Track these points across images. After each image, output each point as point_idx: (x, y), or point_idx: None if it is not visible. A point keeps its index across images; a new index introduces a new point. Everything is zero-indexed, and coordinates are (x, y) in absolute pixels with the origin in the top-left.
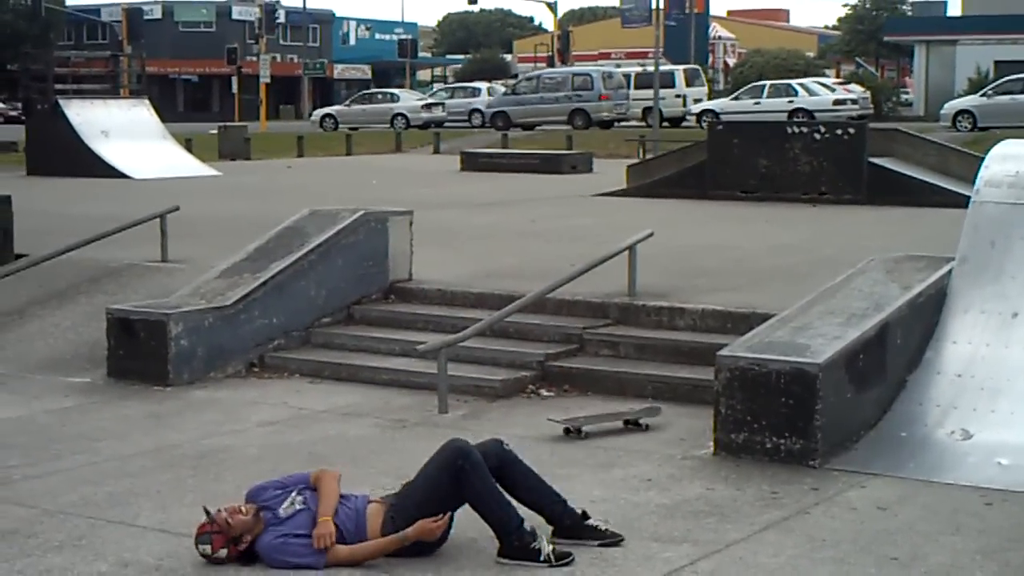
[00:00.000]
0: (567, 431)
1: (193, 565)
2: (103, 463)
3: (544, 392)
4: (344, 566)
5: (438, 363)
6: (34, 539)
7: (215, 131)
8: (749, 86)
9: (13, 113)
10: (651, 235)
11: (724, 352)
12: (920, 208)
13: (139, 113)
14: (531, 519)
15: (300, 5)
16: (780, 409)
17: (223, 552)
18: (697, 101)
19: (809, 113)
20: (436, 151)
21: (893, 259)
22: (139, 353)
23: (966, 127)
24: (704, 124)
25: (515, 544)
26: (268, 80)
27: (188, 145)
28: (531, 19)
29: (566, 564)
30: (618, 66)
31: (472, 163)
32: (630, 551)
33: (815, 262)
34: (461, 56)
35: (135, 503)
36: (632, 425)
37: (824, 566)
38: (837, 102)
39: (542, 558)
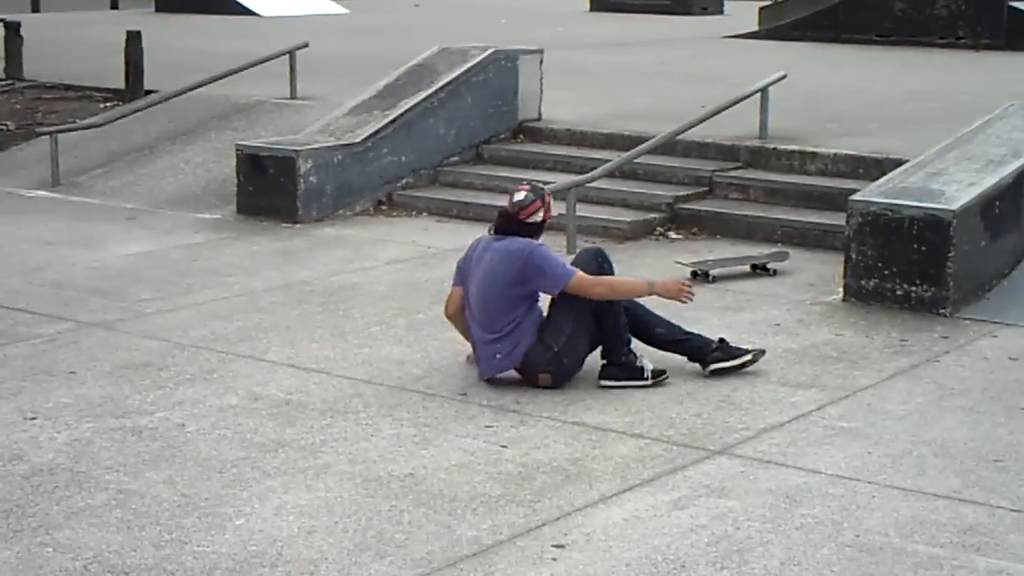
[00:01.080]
0: (695, 274)
1: (322, 400)
2: (233, 298)
3: (672, 234)
4: (582, 291)
5: (567, 203)
6: (166, 371)
7: None
8: None
9: None
10: (783, 77)
11: (856, 197)
12: None
13: None
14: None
15: None
16: (912, 256)
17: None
18: None
19: None
20: None
21: None
22: (268, 190)
23: None
24: None
25: (622, 361)
26: None
27: None
28: None
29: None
30: None
31: (601, 3)
32: (757, 394)
33: (951, 107)
34: None
35: (264, 338)
36: (760, 269)
37: (952, 414)
38: None
39: (645, 375)
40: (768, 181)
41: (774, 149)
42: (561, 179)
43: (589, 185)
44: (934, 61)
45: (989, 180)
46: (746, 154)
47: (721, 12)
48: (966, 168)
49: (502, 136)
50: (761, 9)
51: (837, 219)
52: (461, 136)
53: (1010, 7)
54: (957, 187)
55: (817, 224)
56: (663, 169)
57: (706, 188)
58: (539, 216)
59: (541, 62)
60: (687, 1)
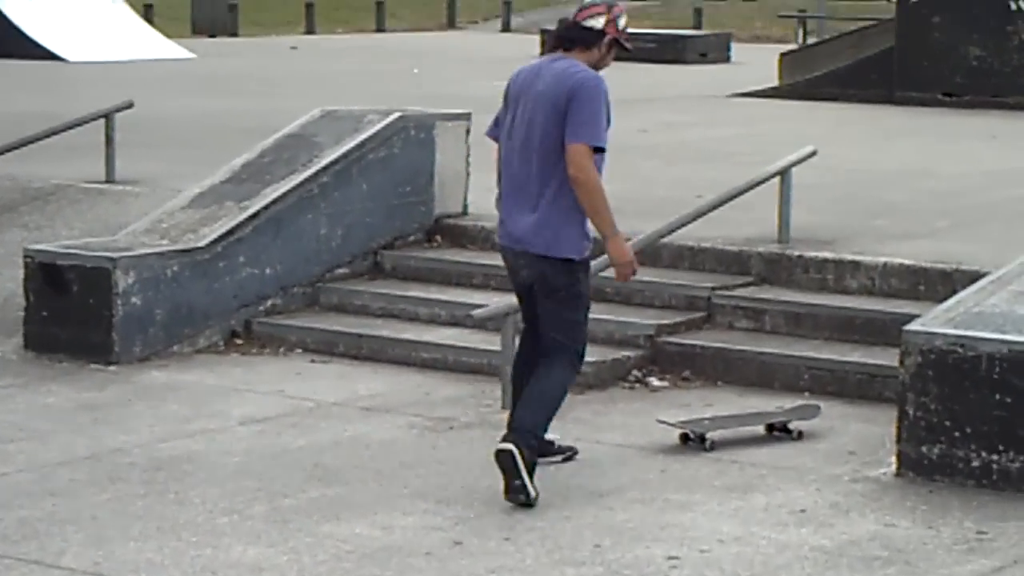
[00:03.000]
0: (686, 437)
1: None
2: (15, 475)
3: (654, 380)
4: (577, 165)
5: (503, 335)
6: None
7: None
8: None
9: None
10: (813, 154)
11: (915, 326)
12: None
13: None
14: None
15: None
16: (994, 411)
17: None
18: None
19: None
20: (506, 28)
21: None
22: (71, 315)
23: None
24: None
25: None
26: None
27: (147, 13)
28: None
29: None
30: None
31: None
32: None
33: None
34: None
35: (60, 534)
36: (780, 431)
37: None
38: None
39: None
40: (791, 303)
41: (799, 257)
42: (495, 300)
43: None
44: None
45: None
46: (760, 264)
47: (727, 59)
48: None
49: (411, 238)
50: (783, 56)
51: (888, 358)
52: (352, 238)
53: None
54: None
55: (860, 365)
56: (641, 286)
57: (703, 313)
58: (599, 21)
59: (468, 131)
60: (680, 45)
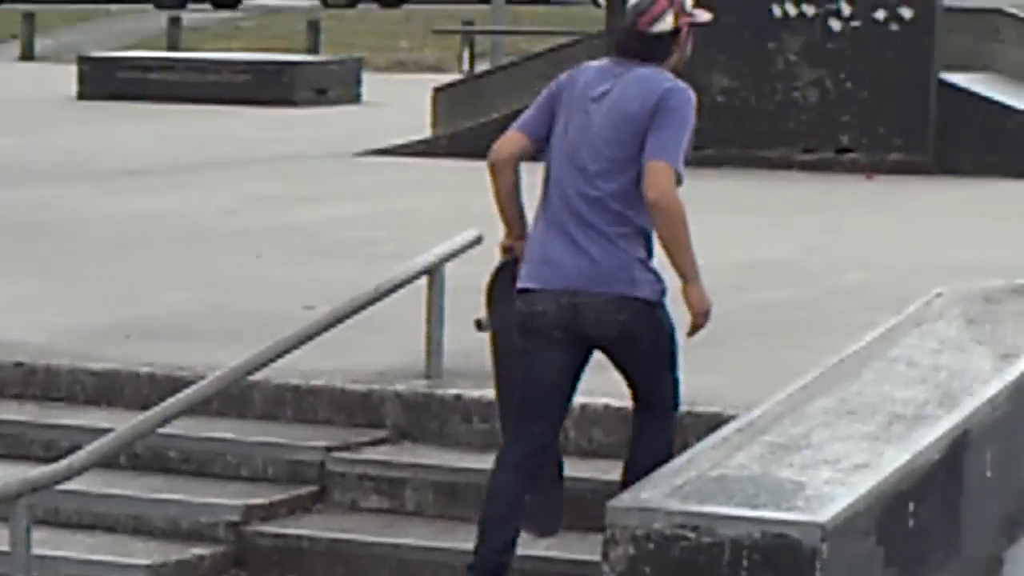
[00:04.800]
0: None
1: None
2: None
3: None
4: (660, 189)
5: (11, 530)
6: None
7: None
8: None
9: None
10: (478, 241)
11: (624, 500)
12: None
13: None
14: None
15: None
16: None
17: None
18: None
19: None
20: (27, 55)
21: (981, 293)
22: None
23: None
24: None
25: None
26: None
27: None
28: None
29: None
30: None
31: (103, 81)
32: None
33: (825, 299)
34: None
35: None
36: None
37: None
38: None
39: None
40: (445, 470)
41: (457, 399)
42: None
43: (61, 488)
44: (795, 198)
45: (894, 457)
46: (398, 411)
47: (356, 99)
48: (848, 431)
49: None
50: (438, 92)
51: (586, 549)
52: None
53: (943, 83)
54: (830, 474)
55: (546, 562)
56: (223, 449)
57: (313, 487)
58: (667, 21)
59: None
60: (286, 78)
